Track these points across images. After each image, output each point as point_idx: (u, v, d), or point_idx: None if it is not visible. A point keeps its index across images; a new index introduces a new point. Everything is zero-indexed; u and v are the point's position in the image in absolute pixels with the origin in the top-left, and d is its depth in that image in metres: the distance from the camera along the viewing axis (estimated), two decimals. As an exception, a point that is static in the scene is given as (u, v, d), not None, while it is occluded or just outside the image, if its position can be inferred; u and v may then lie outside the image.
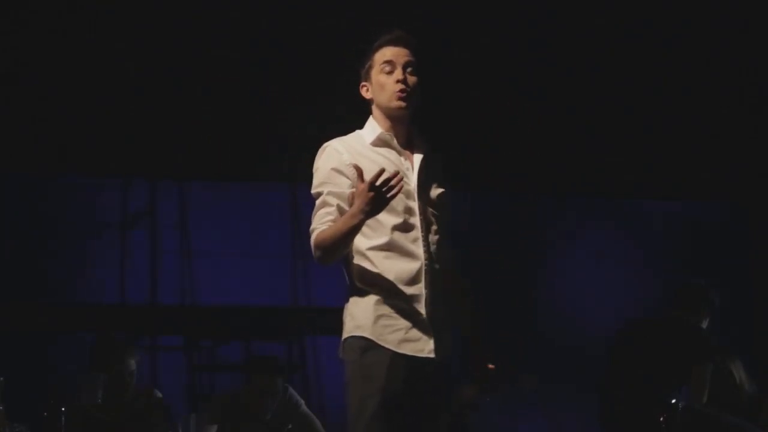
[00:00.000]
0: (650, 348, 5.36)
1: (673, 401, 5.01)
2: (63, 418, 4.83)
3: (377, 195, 3.19)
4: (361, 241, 3.35)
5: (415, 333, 3.32)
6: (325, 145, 3.45)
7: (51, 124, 6.73)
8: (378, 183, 3.18)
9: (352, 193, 3.31)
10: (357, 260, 3.36)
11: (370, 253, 3.34)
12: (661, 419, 4.98)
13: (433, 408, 3.37)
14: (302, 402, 5.73)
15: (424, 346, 3.32)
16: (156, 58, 6.73)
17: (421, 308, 3.34)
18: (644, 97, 7.61)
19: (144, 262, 7.53)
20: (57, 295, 7.29)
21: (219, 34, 6.74)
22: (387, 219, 3.35)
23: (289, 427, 5.63)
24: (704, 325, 5.51)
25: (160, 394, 5.36)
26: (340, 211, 3.33)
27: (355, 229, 3.25)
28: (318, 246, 3.31)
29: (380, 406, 3.24)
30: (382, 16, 6.11)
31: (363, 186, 3.20)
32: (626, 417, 5.30)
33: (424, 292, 3.34)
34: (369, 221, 3.29)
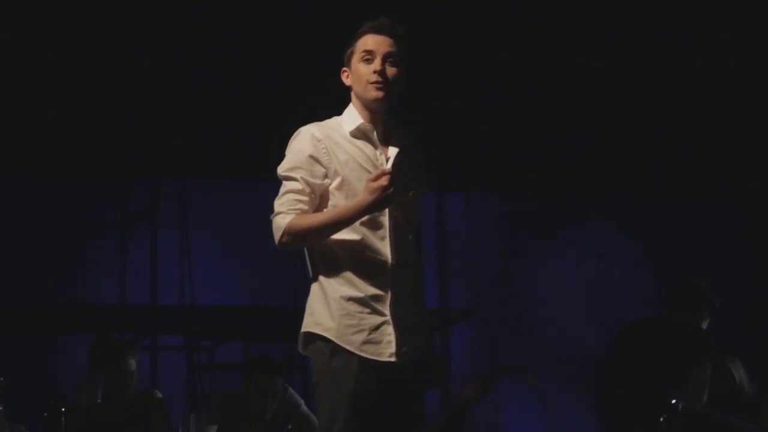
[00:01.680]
0: (650, 348, 5.36)
1: (673, 402, 5.00)
2: (63, 419, 4.83)
3: (392, 192, 3.13)
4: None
5: (378, 335, 3.23)
6: (303, 128, 3.36)
7: (52, 124, 6.72)
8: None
9: (325, 186, 3.25)
10: (323, 253, 3.27)
11: (337, 248, 3.25)
12: (661, 420, 4.98)
13: (402, 413, 3.28)
14: (302, 402, 5.74)
15: (384, 350, 3.23)
16: (156, 58, 6.72)
17: (386, 308, 3.25)
18: (644, 97, 7.60)
19: (144, 262, 7.53)
20: (57, 295, 7.29)
21: (219, 34, 6.74)
22: None
23: (289, 427, 5.64)
24: (704, 325, 5.50)
25: (160, 395, 5.36)
26: (311, 201, 3.26)
27: (350, 222, 3.19)
28: (289, 232, 3.20)
29: (351, 411, 3.18)
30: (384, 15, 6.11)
31: (382, 181, 3.14)
32: (626, 417, 5.29)
33: (389, 292, 3.26)
34: None
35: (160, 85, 6.79)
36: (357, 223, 3.23)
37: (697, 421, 5.10)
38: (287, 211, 3.25)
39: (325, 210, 3.25)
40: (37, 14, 6.45)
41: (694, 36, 7.24)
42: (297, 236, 3.22)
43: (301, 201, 3.25)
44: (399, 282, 3.28)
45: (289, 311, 7.38)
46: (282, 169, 3.33)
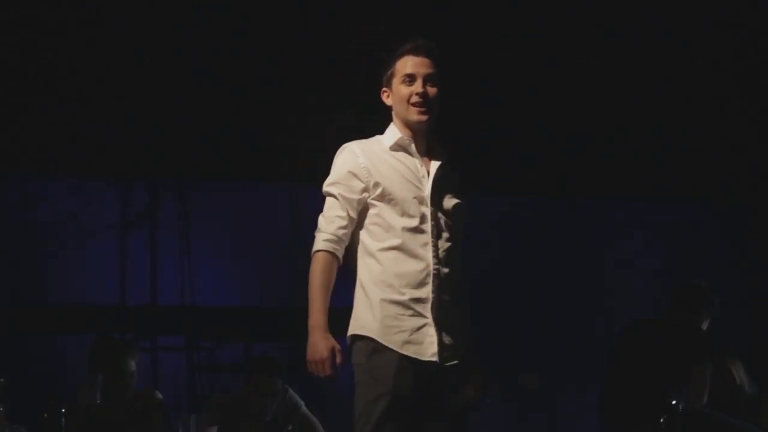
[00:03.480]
0: (650, 349, 5.36)
1: (674, 402, 5.00)
2: (63, 419, 4.83)
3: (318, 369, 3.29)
4: (371, 242, 3.42)
5: (419, 336, 3.35)
6: (345, 145, 3.52)
7: (51, 124, 6.72)
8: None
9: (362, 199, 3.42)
10: (366, 260, 3.41)
11: (379, 254, 3.39)
12: (662, 420, 4.98)
13: (435, 412, 3.39)
14: (302, 403, 5.73)
15: (426, 350, 3.35)
16: (156, 58, 6.72)
17: (427, 311, 3.37)
18: (644, 97, 7.60)
19: (144, 262, 7.52)
20: (57, 295, 7.29)
21: (219, 34, 6.74)
22: (398, 221, 3.40)
23: (289, 428, 5.63)
24: (704, 325, 5.50)
25: (160, 395, 5.36)
26: (349, 217, 3.42)
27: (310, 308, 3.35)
28: (312, 259, 3.41)
29: (388, 409, 3.28)
30: (387, 20, 6.13)
31: (328, 371, 3.30)
32: (626, 417, 5.29)
33: (431, 295, 3.38)
34: (381, 222, 3.39)
35: (160, 85, 6.78)
36: (399, 229, 3.38)
37: (697, 422, 5.10)
38: (328, 233, 3.42)
39: (325, 286, 3.38)
40: (37, 14, 6.45)
41: (695, 36, 7.24)
42: (311, 267, 3.42)
43: (341, 219, 3.42)
44: (441, 287, 3.40)
45: (289, 312, 7.40)
46: (325, 185, 3.49)
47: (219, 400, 5.73)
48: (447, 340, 3.38)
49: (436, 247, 3.41)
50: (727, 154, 7.86)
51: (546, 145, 7.64)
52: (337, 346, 3.32)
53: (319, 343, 3.29)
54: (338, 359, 3.30)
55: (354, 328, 3.40)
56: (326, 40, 6.63)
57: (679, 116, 7.68)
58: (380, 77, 3.57)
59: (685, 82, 7.52)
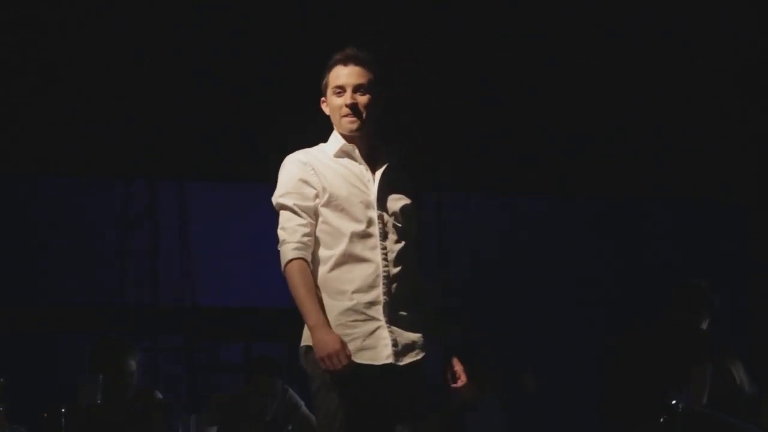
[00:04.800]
0: (650, 349, 5.36)
1: (674, 402, 5.00)
2: (63, 419, 4.83)
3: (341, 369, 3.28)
4: (321, 251, 3.44)
5: (373, 340, 3.37)
6: (289, 156, 3.54)
7: (51, 123, 6.72)
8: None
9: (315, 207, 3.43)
10: (316, 268, 3.44)
11: (329, 262, 3.42)
12: (661, 420, 4.98)
13: (402, 414, 3.38)
14: (302, 403, 5.73)
15: (380, 353, 3.36)
16: (156, 58, 6.72)
17: (379, 314, 3.39)
18: (644, 97, 7.60)
19: (144, 262, 7.52)
20: (57, 295, 7.29)
21: (219, 34, 6.74)
22: (345, 226, 3.43)
23: (289, 428, 5.64)
24: (704, 325, 5.50)
25: (160, 395, 5.35)
26: (310, 224, 3.43)
27: (303, 314, 3.37)
28: (286, 271, 3.44)
29: (348, 419, 3.30)
30: (382, 18, 6.13)
31: (341, 362, 3.28)
32: (626, 417, 5.29)
33: (382, 297, 3.40)
34: (330, 229, 3.42)
35: (160, 85, 6.78)
36: (347, 234, 3.40)
37: (697, 422, 5.10)
38: (291, 242, 3.44)
39: (310, 289, 3.40)
40: (37, 14, 6.44)
41: (694, 36, 7.24)
42: (288, 278, 3.44)
43: (303, 226, 3.44)
44: (393, 288, 3.42)
45: (289, 312, 7.40)
46: (275, 197, 3.51)
47: (219, 400, 5.73)
48: (402, 339, 3.40)
49: (384, 249, 3.43)
50: (727, 154, 7.85)
51: (546, 145, 7.63)
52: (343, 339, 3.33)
53: (326, 337, 3.30)
54: (348, 351, 3.30)
55: (307, 338, 3.41)
56: (326, 40, 6.62)
57: (678, 116, 7.67)
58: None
59: (684, 82, 7.52)
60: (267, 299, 7.55)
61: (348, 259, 3.40)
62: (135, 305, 7.50)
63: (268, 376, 5.60)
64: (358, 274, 3.40)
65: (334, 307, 3.38)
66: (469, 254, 8.27)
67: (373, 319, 3.38)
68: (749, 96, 7.65)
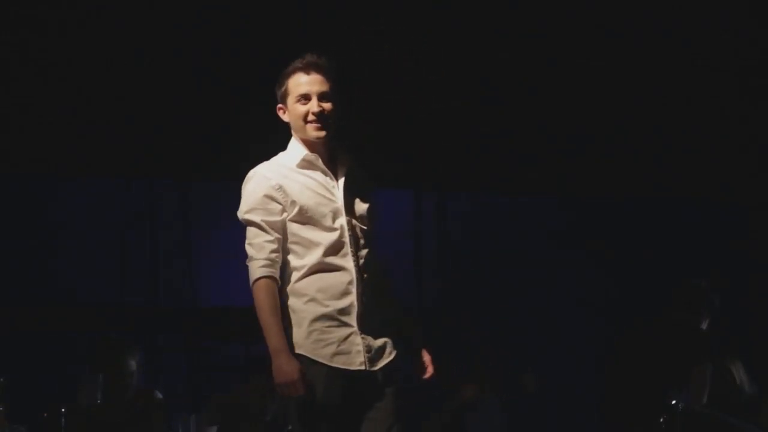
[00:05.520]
0: (650, 348, 5.36)
1: (674, 402, 5.01)
2: (63, 419, 4.83)
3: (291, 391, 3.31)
4: (293, 260, 3.44)
5: (347, 346, 3.38)
6: (252, 171, 3.57)
7: (51, 123, 6.72)
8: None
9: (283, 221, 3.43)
10: (289, 277, 3.44)
11: (302, 270, 3.42)
12: (662, 420, 4.99)
13: (378, 419, 3.39)
14: (302, 403, 5.72)
15: (354, 359, 3.38)
16: (157, 58, 6.72)
17: (352, 320, 3.40)
18: (644, 97, 7.60)
19: (144, 262, 7.52)
20: (57, 295, 7.28)
21: (219, 34, 6.74)
22: (317, 237, 3.43)
23: (289, 428, 5.63)
24: (704, 325, 5.51)
25: (160, 395, 5.36)
26: (277, 240, 3.44)
27: (267, 338, 3.36)
28: (254, 288, 3.44)
29: (322, 422, 3.33)
30: (387, 20, 6.12)
31: (301, 391, 3.30)
32: (626, 417, 5.30)
33: (355, 303, 3.41)
34: (301, 240, 3.41)
35: (160, 85, 6.78)
36: (319, 245, 3.41)
37: (697, 422, 5.11)
38: (260, 259, 3.47)
39: (275, 311, 3.39)
40: (37, 14, 6.44)
41: (693, 36, 7.24)
42: (254, 296, 3.45)
43: (271, 243, 3.45)
44: (364, 293, 3.43)
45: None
46: (241, 213, 3.57)
47: (219, 400, 5.73)
48: (375, 344, 3.41)
49: (356, 255, 3.44)
50: (727, 154, 7.85)
51: (546, 145, 7.63)
52: (302, 367, 3.34)
53: (286, 365, 3.31)
54: (304, 382, 3.32)
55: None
56: (326, 39, 6.62)
57: (678, 116, 7.67)
58: (274, 93, 3.63)
59: (684, 82, 7.52)
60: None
61: (321, 267, 3.41)
62: (135, 305, 7.49)
63: (268, 376, 5.59)
64: (332, 282, 3.41)
65: (308, 312, 3.39)
66: (469, 254, 8.27)
67: (346, 325, 3.39)
68: (749, 96, 7.65)
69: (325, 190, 3.48)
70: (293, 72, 3.56)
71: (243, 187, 3.58)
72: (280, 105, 3.60)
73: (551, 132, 7.60)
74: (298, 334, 3.38)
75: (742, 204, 8.36)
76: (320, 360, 3.35)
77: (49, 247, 7.28)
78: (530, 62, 7.29)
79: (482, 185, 7.93)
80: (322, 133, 3.49)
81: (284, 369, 3.30)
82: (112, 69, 6.68)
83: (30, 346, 6.97)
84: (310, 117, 3.49)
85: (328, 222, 3.44)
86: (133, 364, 5.26)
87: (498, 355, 7.52)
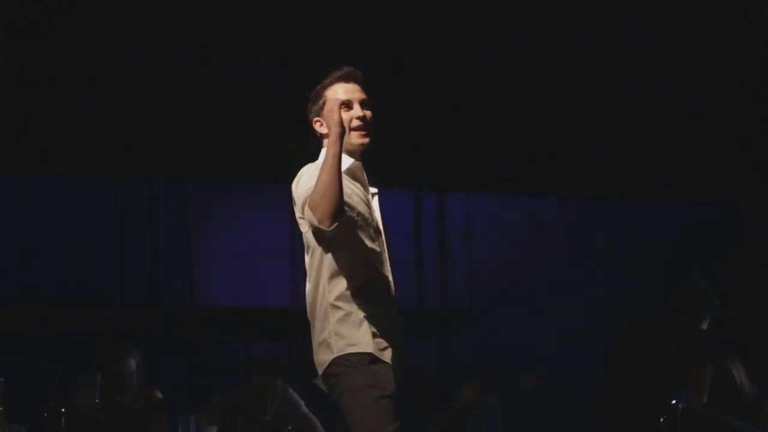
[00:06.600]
0: (650, 348, 5.36)
1: (673, 402, 5.00)
2: (63, 419, 4.83)
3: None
4: (343, 263, 3.43)
5: (391, 347, 3.45)
6: (304, 168, 3.52)
7: (52, 124, 6.72)
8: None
9: None
10: (338, 280, 3.44)
11: (352, 274, 3.43)
12: (661, 420, 4.98)
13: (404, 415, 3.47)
14: (302, 403, 5.73)
15: (393, 359, 3.45)
16: (157, 59, 6.72)
17: (393, 324, 3.49)
18: (644, 97, 7.61)
19: (144, 262, 7.53)
20: (57, 295, 7.29)
21: (219, 34, 6.74)
22: (366, 242, 3.47)
23: (290, 428, 5.64)
24: (704, 325, 5.50)
25: (160, 395, 5.36)
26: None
27: (336, 161, 3.30)
28: (313, 205, 3.31)
29: (391, 410, 3.35)
30: (380, 19, 6.12)
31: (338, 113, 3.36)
32: (626, 417, 5.29)
33: (391, 309, 3.51)
34: (351, 243, 3.41)
35: (160, 85, 6.78)
36: (367, 249, 3.45)
37: (697, 422, 5.10)
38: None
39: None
40: (37, 14, 6.45)
41: (692, 36, 7.25)
42: (318, 200, 3.30)
43: None
44: (394, 300, 3.55)
45: (289, 312, 7.41)
46: (302, 190, 3.43)
47: (219, 400, 5.72)
48: (400, 348, 3.50)
49: (388, 263, 3.54)
50: (726, 154, 7.86)
51: (546, 145, 7.64)
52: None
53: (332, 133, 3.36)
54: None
55: (342, 347, 3.42)
56: (326, 39, 6.63)
57: (678, 116, 7.68)
58: (306, 109, 3.60)
59: (685, 82, 7.52)
60: (267, 299, 7.57)
61: (369, 272, 3.46)
62: (135, 305, 7.50)
63: (267, 376, 5.60)
64: (378, 288, 3.47)
65: (362, 315, 3.42)
66: (469, 254, 8.27)
67: (390, 328, 3.46)
68: (749, 96, 7.66)
69: (366, 200, 3.53)
70: (332, 83, 3.57)
71: (295, 183, 3.50)
72: (316, 118, 3.58)
73: (551, 132, 7.61)
74: (360, 335, 3.41)
75: (741, 204, 8.36)
76: (383, 358, 3.40)
77: (49, 246, 7.29)
78: (530, 62, 7.29)
79: (482, 185, 7.93)
80: (366, 140, 3.53)
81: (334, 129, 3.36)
82: (111, 69, 6.69)
83: (30, 346, 6.98)
84: (355, 123, 3.51)
85: (371, 230, 3.49)
86: (132, 364, 5.25)
87: (497, 356, 7.54)
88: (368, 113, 3.54)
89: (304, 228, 3.49)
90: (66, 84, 6.67)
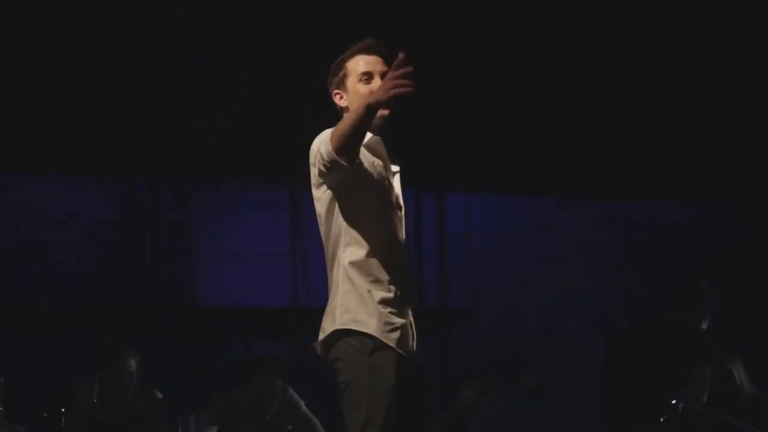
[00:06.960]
0: (650, 348, 5.36)
1: (673, 402, 5.00)
2: (62, 419, 4.83)
3: (397, 84, 3.16)
4: (358, 229, 3.35)
5: (406, 332, 3.37)
6: (325, 131, 3.38)
7: (52, 123, 6.72)
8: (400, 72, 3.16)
9: None
10: (353, 248, 3.35)
11: (367, 248, 3.34)
12: (661, 420, 4.98)
13: (417, 409, 3.41)
14: (302, 403, 5.73)
15: (411, 348, 3.38)
16: (157, 59, 6.72)
17: (406, 310, 3.40)
18: (644, 97, 7.61)
19: (144, 262, 7.52)
20: (57, 295, 7.29)
21: (219, 34, 6.74)
22: (388, 216, 3.39)
23: (290, 428, 5.63)
24: (704, 325, 5.50)
25: (160, 395, 5.36)
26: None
27: (369, 110, 3.17)
28: (334, 135, 3.21)
29: (393, 405, 3.25)
30: (380, 19, 6.12)
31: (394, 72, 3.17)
32: (626, 417, 5.29)
33: (407, 296, 3.41)
34: (368, 213, 3.32)
35: (160, 85, 6.78)
36: (389, 225, 3.38)
37: (697, 422, 5.10)
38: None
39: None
40: (37, 14, 6.45)
41: (691, 36, 7.25)
42: (338, 133, 3.20)
43: None
44: (410, 286, 3.45)
45: (289, 312, 7.41)
46: (322, 145, 3.30)
47: (219, 400, 5.72)
48: (414, 331, 3.42)
49: (406, 248, 3.46)
50: (727, 154, 7.86)
51: (545, 145, 7.64)
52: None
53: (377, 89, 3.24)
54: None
55: (345, 321, 3.32)
56: (326, 39, 6.62)
57: (678, 116, 7.68)
58: (327, 81, 3.52)
59: (685, 82, 7.52)
60: (267, 299, 7.56)
61: (387, 249, 3.35)
62: (135, 305, 7.49)
63: (267, 376, 5.60)
64: (395, 270, 3.36)
65: (373, 293, 3.32)
66: (469, 254, 8.27)
67: (403, 314, 3.37)
68: (749, 96, 7.66)
69: (386, 173, 3.43)
70: (352, 55, 3.47)
71: (313, 146, 3.36)
72: (336, 90, 3.49)
73: (551, 132, 7.61)
74: (366, 313, 3.31)
75: (741, 204, 8.36)
76: (390, 344, 3.30)
77: (49, 246, 7.28)
78: (529, 62, 7.29)
79: (482, 185, 7.93)
80: (387, 112, 3.39)
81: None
82: (112, 69, 6.69)
83: (30, 346, 6.98)
84: None
85: (391, 204, 3.41)
86: (132, 364, 5.25)
87: (498, 355, 7.53)
88: None
89: (319, 190, 3.38)
90: (66, 84, 6.67)
